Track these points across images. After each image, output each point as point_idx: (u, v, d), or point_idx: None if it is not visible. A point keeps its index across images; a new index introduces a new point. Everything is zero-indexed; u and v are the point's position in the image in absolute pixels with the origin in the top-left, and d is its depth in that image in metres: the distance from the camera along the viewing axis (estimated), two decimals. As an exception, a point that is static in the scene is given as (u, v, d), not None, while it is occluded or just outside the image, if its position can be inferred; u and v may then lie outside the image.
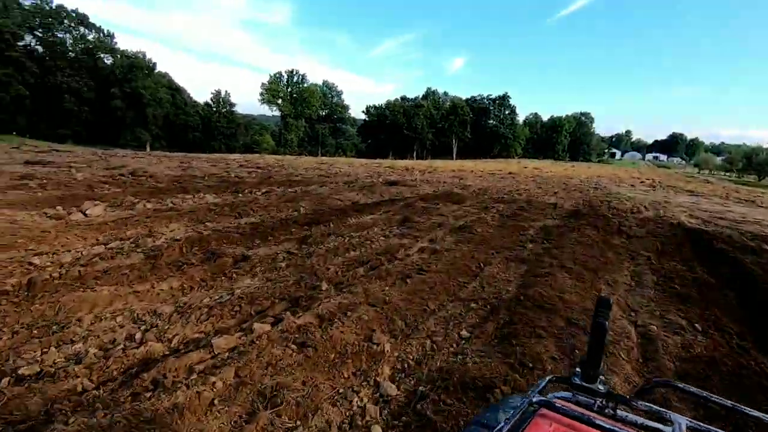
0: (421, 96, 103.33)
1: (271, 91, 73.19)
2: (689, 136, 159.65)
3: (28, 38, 58.51)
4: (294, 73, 76.24)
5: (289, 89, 77.13)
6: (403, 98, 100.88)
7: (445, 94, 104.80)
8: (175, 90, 73.03)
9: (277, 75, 75.67)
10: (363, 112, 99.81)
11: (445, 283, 5.02)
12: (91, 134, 61.23)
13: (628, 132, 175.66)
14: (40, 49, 58.14)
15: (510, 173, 29.56)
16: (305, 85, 77.96)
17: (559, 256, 6.52)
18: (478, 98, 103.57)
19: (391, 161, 44.43)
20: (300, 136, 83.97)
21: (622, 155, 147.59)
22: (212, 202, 9.09)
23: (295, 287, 4.58)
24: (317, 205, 9.73)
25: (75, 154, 19.39)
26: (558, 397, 1.03)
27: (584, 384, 1.01)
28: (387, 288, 4.65)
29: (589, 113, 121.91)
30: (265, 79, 74.12)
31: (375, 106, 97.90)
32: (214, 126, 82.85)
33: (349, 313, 3.85)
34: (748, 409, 0.94)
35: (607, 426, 0.85)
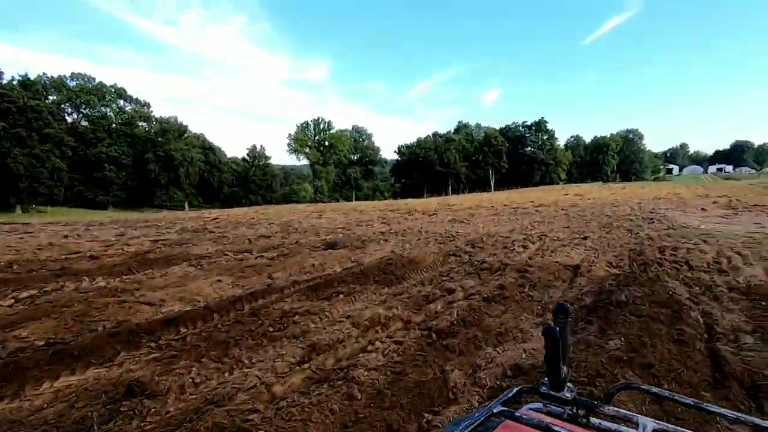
0: (453, 130, 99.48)
1: (299, 141, 72.25)
2: (756, 142, 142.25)
3: (74, 115, 62.01)
4: (320, 120, 75.28)
5: (316, 137, 75.97)
6: (435, 134, 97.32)
7: (478, 126, 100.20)
8: (209, 149, 74.11)
9: (304, 124, 75.05)
10: (395, 152, 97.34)
11: None
12: (129, 197, 62.47)
13: (683, 145, 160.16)
14: (85, 123, 61.19)
15: (540, 205, 23.90)
16: (331, 131, 76.49)
17: None
18: (513, 126, 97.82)
19: (413, 201, 39.89)
20: (331, 181, 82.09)
21: (680, 170, 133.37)
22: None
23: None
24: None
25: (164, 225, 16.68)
26: (530, 408, 1.02)
27: (551, 392, 0.98)
28: None
29: (636, 129, 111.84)
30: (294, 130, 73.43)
31: (406, 145, 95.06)
32: (250, 179, 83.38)
33: None
34: (711, 406, 0.95)
35: None
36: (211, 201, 77.39)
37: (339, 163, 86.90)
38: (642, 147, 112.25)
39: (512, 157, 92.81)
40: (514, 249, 9.35)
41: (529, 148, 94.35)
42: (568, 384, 0.97)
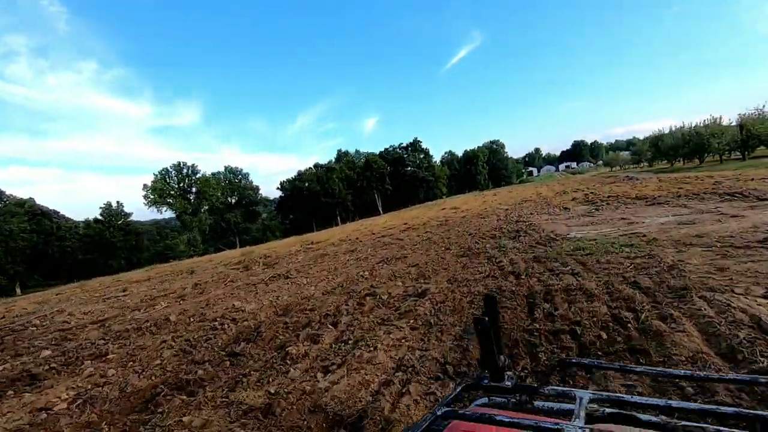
0: (334, 159, 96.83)
1: (157, 191, 62.17)
2: (588, 141, 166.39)
3: None
4: (182, 166, 66.14)
5: (180, 184, 66.50)
6: (317, 165, 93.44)
7: (357, 152, 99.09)
8: (40, 215, 59.88)
9: (163, 172, 65.17)
10: (277, 188, 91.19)
11: None
12: None
13: (537, 149, 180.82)
14: None
15: (408, 228, 20.71)
16: (197, 176, 67.77)
17: None
18: (390, 149, 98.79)
19: (274, 243, 34.61)
20: (206, 230, 72.59)
21: (538, 171, 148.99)
22: None
23: None
24: None
25: None
26: (477, 405, 1.01)
27: (492, 384, 0.97)
28: None
29: (498, 140, 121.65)
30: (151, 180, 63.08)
31: (288, 180, 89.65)
32: (107, 242, 69.68)
33: None
34: (635, 366, 0.98)
35: (512, 420, 0.82)
36: (54, 276, 62.46)
37: (215, 209, 77.86)
38: (505, 155, 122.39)
39: (395, 178, 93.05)
40: (290, 347, 5.04)
41: (409, 168, 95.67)
42: (507, 372, 0.95)
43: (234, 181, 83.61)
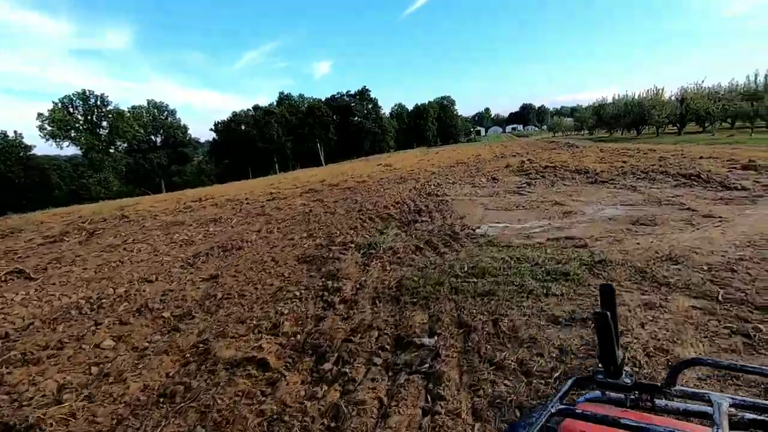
0: (275, 102, 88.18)
1: (58, 122, 52.34)
2: (536, 105, 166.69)
3: None
4: (89, 95, 55.90)
5: (88, 117, 56.59)
6: (256, 107, 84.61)
7: (302, 96, 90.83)
8: None
9: (66, 100, 54.77)
10: (211, 129, 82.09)
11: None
12: None
13: (487, 109, 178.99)
14: None
15: (308, 190, 16.65)
16: (109, 108, 57.94)
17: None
18: (338, 96, 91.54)
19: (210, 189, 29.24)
20: (123, 171, 63.82)
21: (486, 131, 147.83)
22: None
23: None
24: None
25: None
26: (588, 399, 0.94)
27: (609, 380, 0.90)
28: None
29: (449, 96, 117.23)
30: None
31: (222, 122, 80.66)
32: (3, 178, 59.17)
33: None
34: None
35: (640, 424, 0.72)
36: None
37: (136, 148, 68.58)
38: (455, 112, 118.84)
39: (341, 128, 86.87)
40: None
41: (356, 118, 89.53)
42: (625, 369, 0.90)
43: (159, 118, 73.67)
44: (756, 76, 35.30)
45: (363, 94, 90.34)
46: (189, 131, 75.83)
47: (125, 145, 67.69)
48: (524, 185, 11.80)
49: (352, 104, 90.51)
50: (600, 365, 0.89)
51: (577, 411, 0.80)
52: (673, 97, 38.33)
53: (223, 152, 79.97)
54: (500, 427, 2.25)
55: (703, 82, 36.44)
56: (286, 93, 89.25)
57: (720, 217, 6.33)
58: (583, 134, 62.64)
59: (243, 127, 78.59)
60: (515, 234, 6.35)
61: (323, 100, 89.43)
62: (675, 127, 37.89)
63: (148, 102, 72.46)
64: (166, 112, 75.20)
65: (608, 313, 0.80)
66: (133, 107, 70.90)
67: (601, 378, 0.89)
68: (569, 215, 7.43)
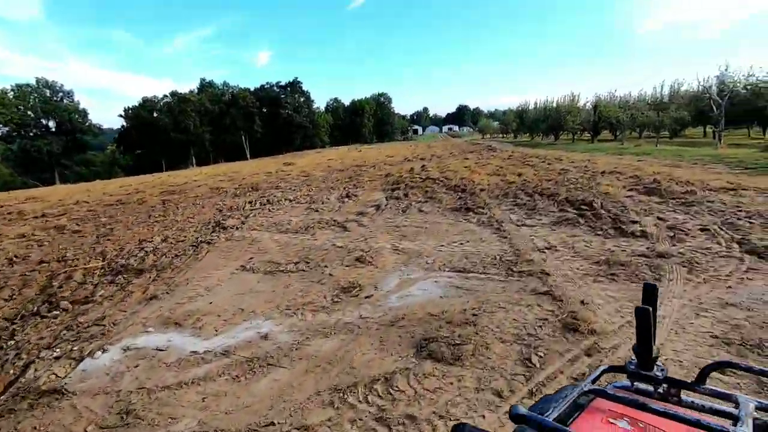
0: (197, 89, 79.58)
1: None
2: (472, 106, 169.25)
3: None
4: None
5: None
6: (173, 93, 75.64)
7: (226, 85, 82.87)
8: None
9: None
10: (120, 115, 72.18)
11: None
12: None
13: (425, 109, 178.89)
14: None
15: (168, 192, 12.10)
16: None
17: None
18: (267, 87, 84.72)
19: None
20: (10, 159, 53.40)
21: (423, 131, 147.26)
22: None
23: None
24: None
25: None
26: (617, 387, 0.95)
27: (641, 371, 0.91)
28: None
29: (386, 93, 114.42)
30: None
31: (132, 108, 71.02)
32: None
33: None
34: None
35: (668, 411, 0.77)
36: None
37: (16, 133, 57.90)
38: (392, 110, 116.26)
39: (269, 121, 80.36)
40: None
41: (286, 111, 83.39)
42: (658, 363, 0.91)
43: (51, 101, 62.89)
44: (662, 86, 35.55)
45: (294, 85, 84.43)
46: (89, 116, 65.58)
47: (5, 128, 57.01)
48: (369, 210, 8.33)
49: (282, 96, 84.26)
50: (633, 357, 0.91)
51: (608, 392, 0.84)
52: (587, 105, 37.83)
53: (135, 142, 70.55)
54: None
55: (615, 91, 36.22)
56: (208, 80, 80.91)
57: (595, 333, 3.08)
58: (506, 138, 62.26)
59: (156, 115, 69.75)
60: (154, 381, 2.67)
61: (251, 90, 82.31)
62: (589, 135, 37.39)
63: (37, 80, 61.53)
64: (60, 93, 64.47)
65: (650, 308, 0.83)
66: (18, 85, 59.88)
67: (633, 368, 0.91)
68: (347, 295, 3.92)
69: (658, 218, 6.59)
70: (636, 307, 0.85)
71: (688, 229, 5.83)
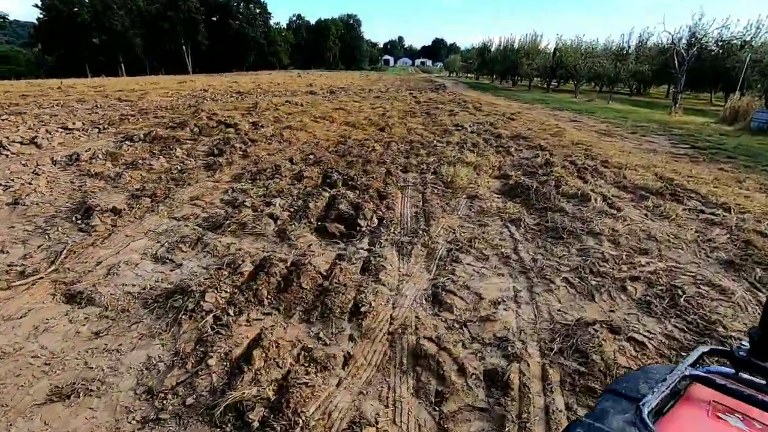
0: (130, -16, 66.26)
1: None
2: (450, 41, 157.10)
3: None
4: None
5: None
6: (102, -14, 62.54)
7: (167, -19, 69.46)
8: None
9: None
10: (35, 5, 59.42)
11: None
12: None
13: (400, 38, 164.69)
14: None
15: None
16: None
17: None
18: (216, -10, 72.09)
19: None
20: None
21: (395, 62, 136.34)
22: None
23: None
24: None
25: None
26: (714, 372, 0.81)
27: (753, 360, 0.77)
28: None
29: (355, 15, 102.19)
30: None
31: (47, -2, 58.32)
32: None
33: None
34: None
35: None
36: None
37: None
38: (361, 34, 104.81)
39: (216, 32, 69.39)
40: None
41: (237, 22, 72.13)
42: None
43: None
44: (631, 35, 31.16)
45: (247, -8, 72.38)
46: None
47: None
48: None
49: (234, 3, 72.36)
50: (745, 342, 0.78)
51: (716, 381, 0.72)
52: (549, 47, 33.07)
53: (54, 41, 59.01)
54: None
55: (584, 36, 31.58)
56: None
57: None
58: (469, 78, 56.61)
59: (75, 9, 57.88)
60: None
61: (196, -9, 69.67)
62: (545, 82, 33.14)
63: None
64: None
65: None
66: None
67: (743, 355, 0.77)
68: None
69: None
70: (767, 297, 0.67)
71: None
